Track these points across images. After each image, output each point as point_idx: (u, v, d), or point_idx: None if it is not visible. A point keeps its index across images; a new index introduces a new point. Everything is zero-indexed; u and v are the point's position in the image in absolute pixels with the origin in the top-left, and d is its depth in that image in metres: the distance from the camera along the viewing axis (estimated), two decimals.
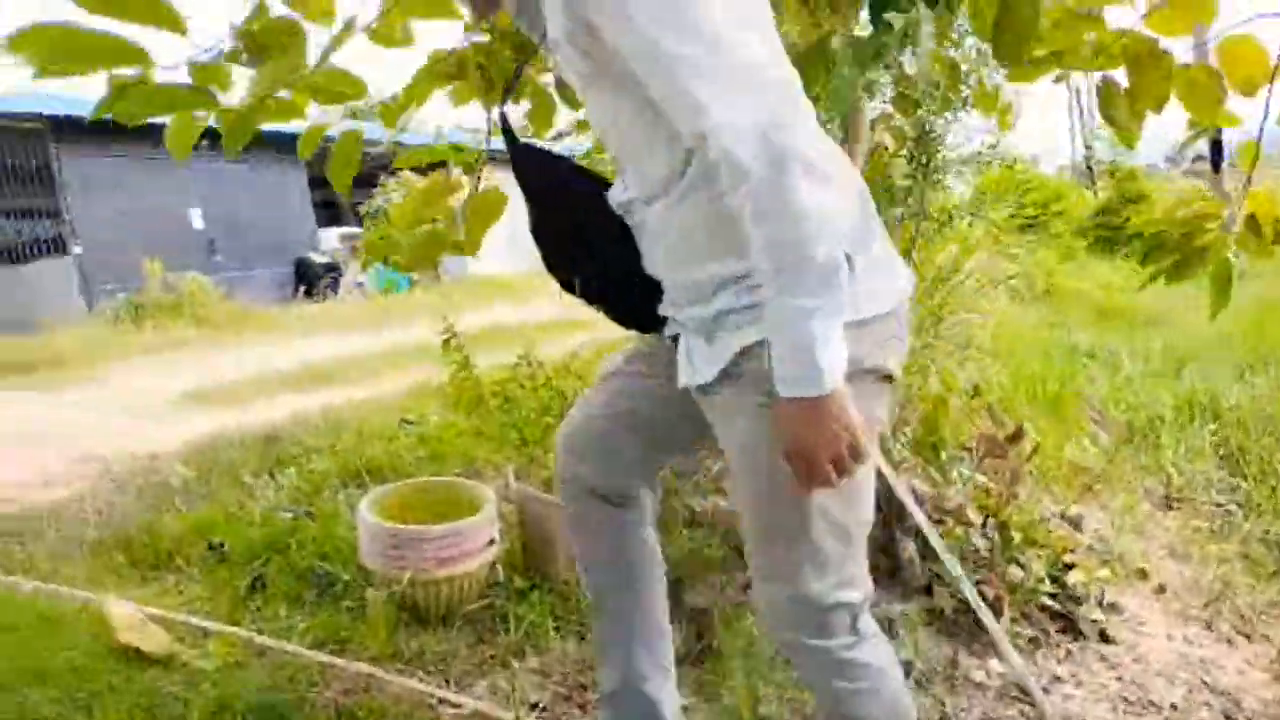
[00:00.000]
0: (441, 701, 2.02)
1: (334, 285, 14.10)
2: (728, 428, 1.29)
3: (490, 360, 4.14)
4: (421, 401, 4.86)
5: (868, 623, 1.33)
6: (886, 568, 2.40)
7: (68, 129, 11.06)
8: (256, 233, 13.62)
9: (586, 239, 1.44)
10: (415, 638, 2.27)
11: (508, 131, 1.48)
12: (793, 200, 1.03)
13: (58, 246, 11.60)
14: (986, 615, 1.98)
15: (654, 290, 1.37)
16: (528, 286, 10.73)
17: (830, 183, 1.07)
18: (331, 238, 15.25)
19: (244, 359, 7.50)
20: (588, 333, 5.54)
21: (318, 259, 14.37)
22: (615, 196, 1.36)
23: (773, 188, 1.02)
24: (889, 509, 2.36)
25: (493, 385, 3.80)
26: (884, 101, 2.98)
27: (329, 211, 16.74)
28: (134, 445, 4.42)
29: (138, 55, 1.35)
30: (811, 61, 1.72)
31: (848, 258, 1.10)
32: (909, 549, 2.39)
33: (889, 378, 1.27)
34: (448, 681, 2.12)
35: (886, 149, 3.08)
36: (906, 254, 3.34)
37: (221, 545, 2.85)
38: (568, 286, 1.51)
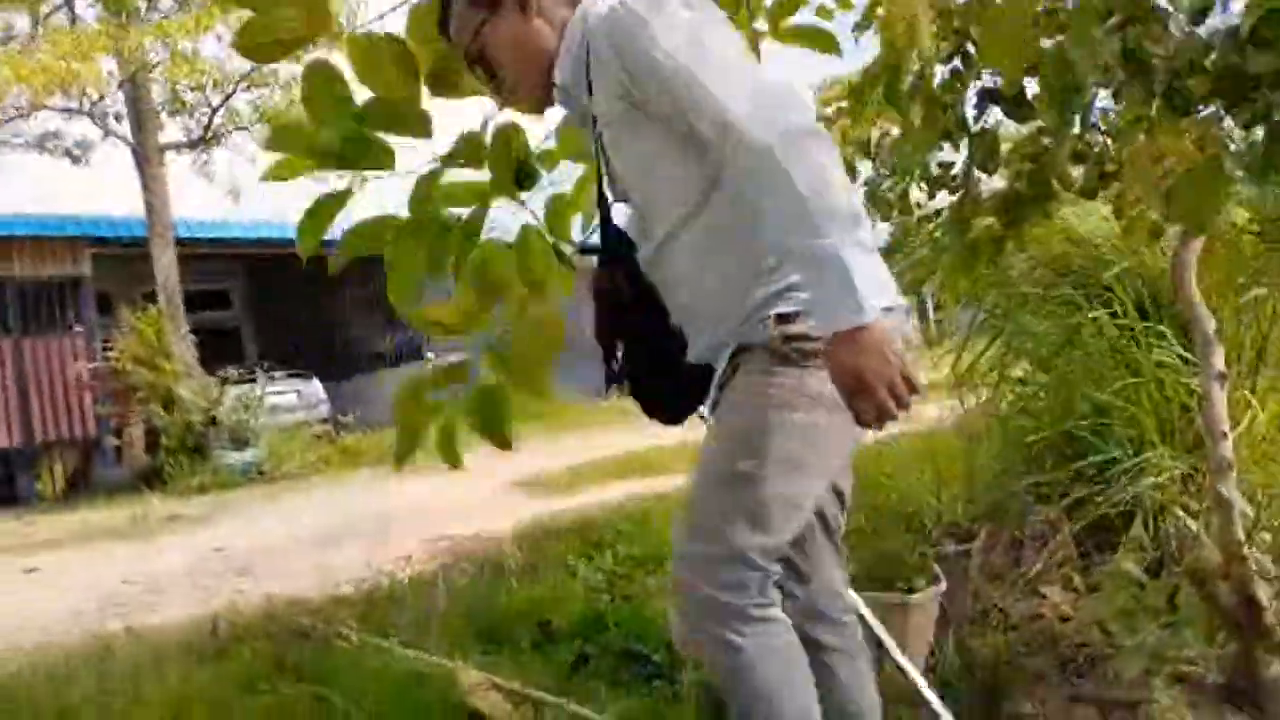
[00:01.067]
0: None
1: None
2: (729, 397, 1.40)
3: None
4: None
5: (778, 598, 1.40)
6: (1245, 690, 2.11)
7: None
8: (573, 333, 14.83)
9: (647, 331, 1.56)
10: None
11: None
12: (811, 160, 1.18)
13: (417, 354, 13.46)
14: None
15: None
16: None
17: (836, 157, 1.23)
18: None
19: (567, 452, 8.18)
20: (898, 424, 5.44)
21: None
22: (645, 254, 1.50)
23: (790, 152, 1.18)
24: (1246, 623, 2.09)
25: None
26: None
27: None
28: (475, 528, 4.99)
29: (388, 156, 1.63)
30: (1203, 182, 1.59)
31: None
32: (1273, 670, 2.09)
33: None
34: None
35: None
36: (1261, 338, 2.99)
37: (549, 623, 3.12)
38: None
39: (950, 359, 3.93)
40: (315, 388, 12.72)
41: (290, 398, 12.14)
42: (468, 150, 1.75)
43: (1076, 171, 2.41)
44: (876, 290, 1.18)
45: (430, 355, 13.02)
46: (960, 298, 4.12)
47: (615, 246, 1.57)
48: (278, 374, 12.09)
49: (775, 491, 1.35)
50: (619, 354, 1.61)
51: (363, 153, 1.67)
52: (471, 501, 6.15)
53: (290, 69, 11.86)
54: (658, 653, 2.69)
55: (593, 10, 1.38)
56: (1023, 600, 2.65)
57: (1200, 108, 1.71)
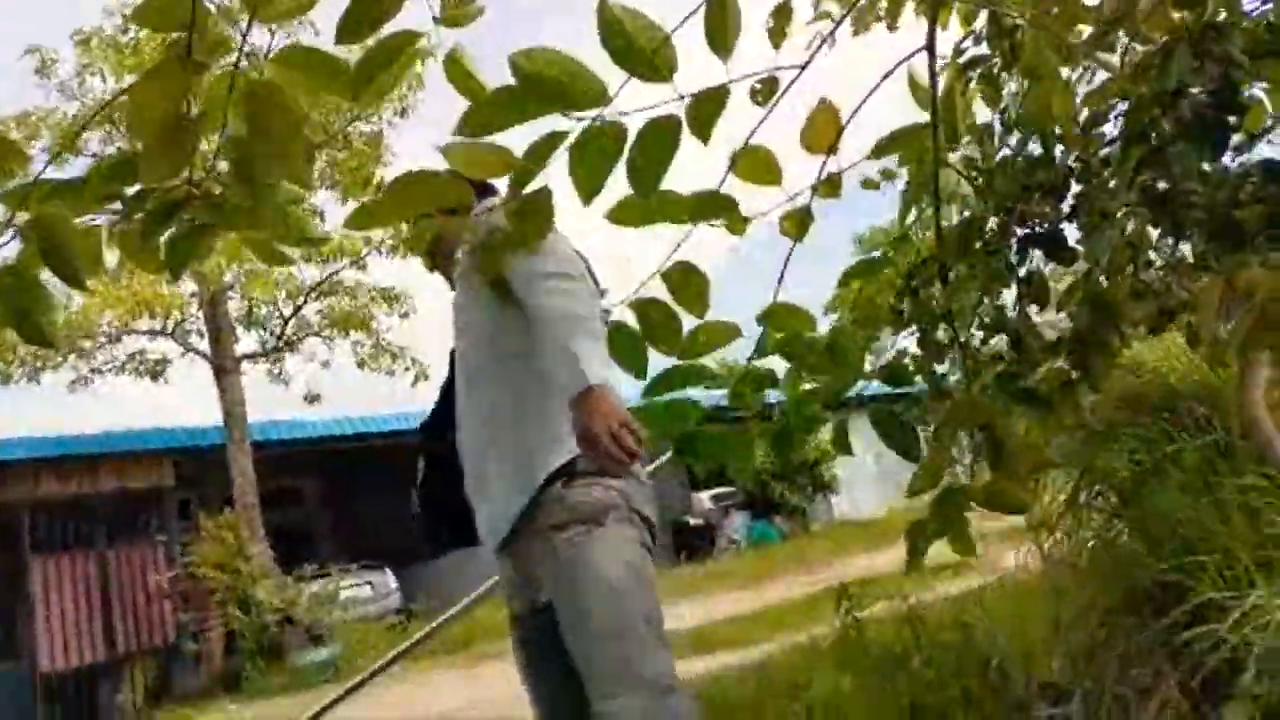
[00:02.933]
0: None
1: (710, 545, 14.71)
2: (544, 563, 1.76)
3: (869, 613, 4.06)
4: (808, 661, 4.82)
5: None
6: None
7: None
8: None
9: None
10: None
11: None
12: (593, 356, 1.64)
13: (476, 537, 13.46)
14: None
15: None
16: (893, 527, 10.40)
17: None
18: (704, 500, 16.11)
19: None
20: (976, 576, 5.22)
21: (693, 522, 15.18)
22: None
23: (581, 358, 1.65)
24: None
25: (878, 646, 3.70)
26: None
27: (697, 474, 17.83)
28: None
29: None
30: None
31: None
32: None
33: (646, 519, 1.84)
34: None
35: None
36: None
37: None
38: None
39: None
40: (387, 578, 12.73)
41: (364, 590, 12.15)
42: None
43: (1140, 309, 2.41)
44: (601, 369, 1.60)
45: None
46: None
47: None
48: (351, 567, 12.17)
49: (645, 623, 1.73)
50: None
51: None
52: None
53: (355, 275, 12.66)
54: None
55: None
56: None
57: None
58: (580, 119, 1.25)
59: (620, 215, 1.53)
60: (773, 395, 1.95)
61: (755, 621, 7.00)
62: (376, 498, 15.45)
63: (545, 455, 1.80)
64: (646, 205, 1.49)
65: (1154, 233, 2.23)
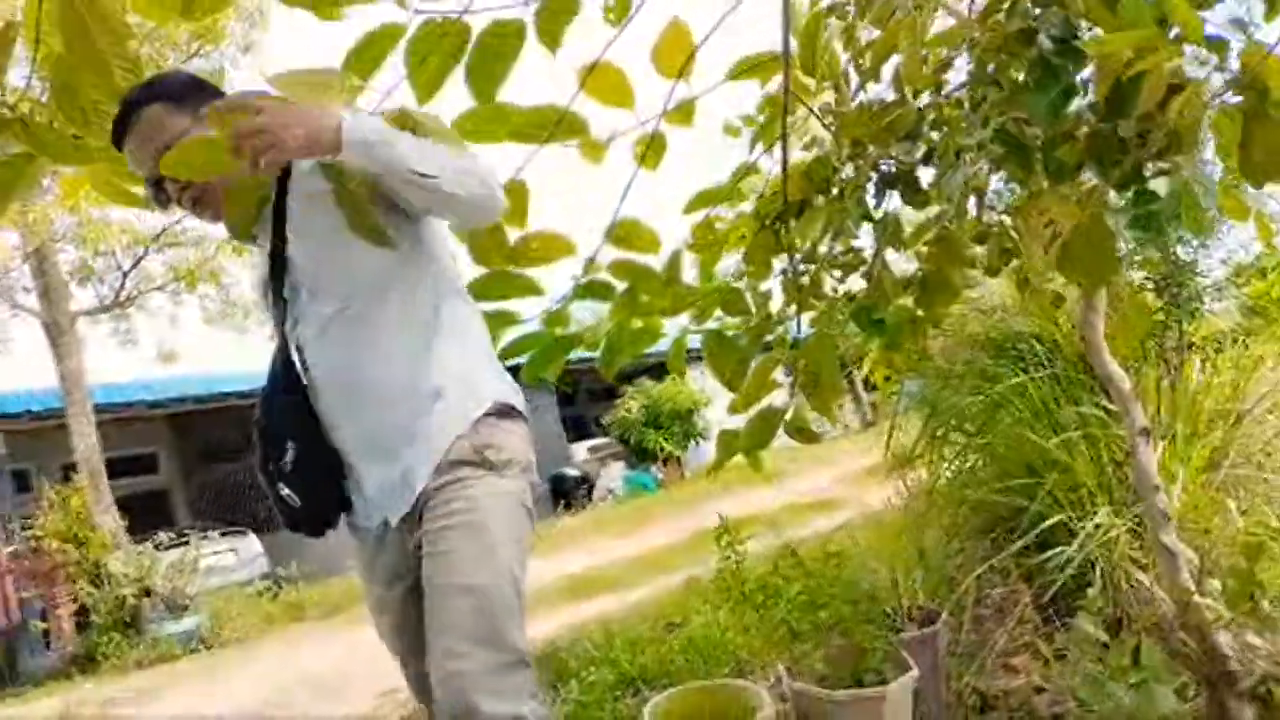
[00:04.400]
0: None
1: (588, 495, 14.83)
2: (442, 509, 1.52)
3: (745, 548, 4.17)
4: (684, 601, 4.93)
5: None
6: None
7: None
8: None
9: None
10: None
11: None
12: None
13: None
14: None
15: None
16: (774, 470, 10.75)
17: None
18: (581, 450, 16.20)
19: None
20: (845, 511, 5.46)
21: (571, 473, 15.24)
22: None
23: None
24: (1211, 671, 2.11)
25: (756, 580, 3.81)
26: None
27: (577, 427, 17.89)
28: None
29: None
30: (1092, 239, 1.69)
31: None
32: (1245, 716, 2.10)
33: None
34: None
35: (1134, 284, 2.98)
36: (1175, 392, 3.12)
37: None
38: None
39: (886, 440, 3.99)
40: (252, 543, 12.23)
41: (227, 558, 11.65)
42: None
43: (980, 250, 2.53)
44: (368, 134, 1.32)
45: None
46: (896, 377, 4.23)
47: None
48: (212, 534, 11.63)
49: (515, 587, 1.53)
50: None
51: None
52: None
53: (202, 227, 11.88)
54: None
55: None
56: (995, 677, 2.63)
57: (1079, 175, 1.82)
58: (420, 12, 1.17)
59: (464, 127, 1.46)
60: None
61: (635, 566, 7.12)
62: (238, 461, 14.80)
63: (468, 394, 1.61)
64: (490, 118, 1.43)
65: (994, 178, 2.33)
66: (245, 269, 12.05)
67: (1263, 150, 1.59)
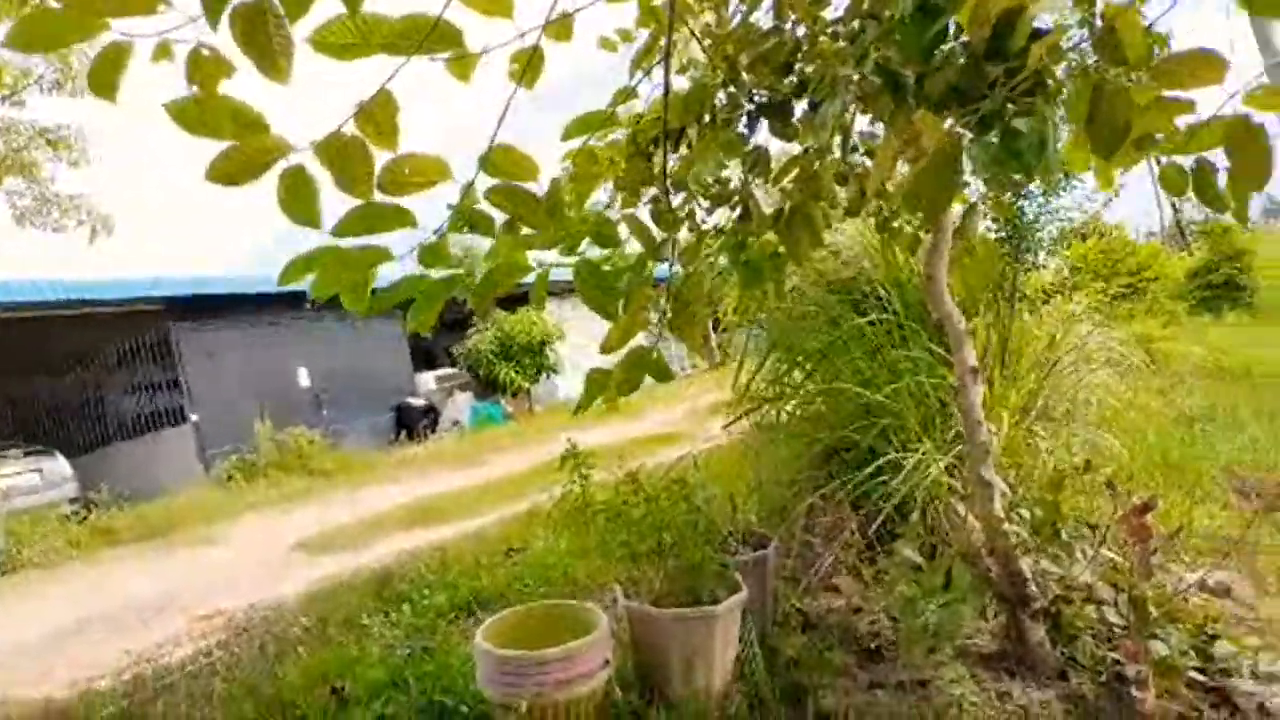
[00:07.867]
0: None
1: (433, 425, 14.53)
2: None
3: (592, 476, 4.17)
4: (526, 529, 4.91)
5: None
6: (1016, 654, 2.28)
7: (183, 309, 11.89)
8: (359, 384, 14.23)
9: None
10: None
11: None
12: None
13: (178, 416, 12.33)
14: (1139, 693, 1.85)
15: None
16: (621, 405, 10.84)
17: None
18: (428, 381, 15.81)
19: (353, 504, 7.72)
20: (691, 445, 5.55)
21: (416, 403, 14.88)
22: None
23: None
24: (1012, 593, 2.26)
25: (597, 505, 3.82)
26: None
27: (425, 357, 17.44)
28: (254, 598, 4.56)
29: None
30: (937, 174, 1.70)
31: None
32: (1038, 633, 2.27)
33: None
34: None
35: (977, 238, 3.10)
36: (1002, 338, 3.31)
37: (342, 688, 2.89)
38: None
39: (733, 377, 4.06)
40: (60, 465, 11.31)
41: (31, 478, 10.74)
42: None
43: (843, 192, 2.57)
44: None
45: (194, 417, 11.97)
46: (747, 316, 4.30)
47: None
48: (11, 453, 10.68)
49: None
50: None
51: None
52: (249, 570, 5.65)
53: (8, 113, 10.66)
54: (466, 701, 2.55)
55: None
56: (818, 599, 2.74)
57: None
58: None
59: (325, 40, 1.32)
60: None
61: (478, 495, 7.03)
62: (48, 376, 13.58)
63: None
64: (354, 30, 1.30)
65: (861, 118, 2.36)
66: (62, 164, 10.90)
67: (1108, 125, 1.66)
